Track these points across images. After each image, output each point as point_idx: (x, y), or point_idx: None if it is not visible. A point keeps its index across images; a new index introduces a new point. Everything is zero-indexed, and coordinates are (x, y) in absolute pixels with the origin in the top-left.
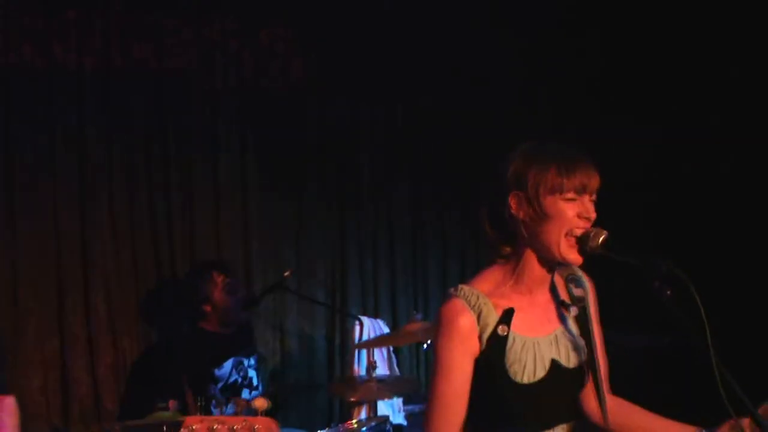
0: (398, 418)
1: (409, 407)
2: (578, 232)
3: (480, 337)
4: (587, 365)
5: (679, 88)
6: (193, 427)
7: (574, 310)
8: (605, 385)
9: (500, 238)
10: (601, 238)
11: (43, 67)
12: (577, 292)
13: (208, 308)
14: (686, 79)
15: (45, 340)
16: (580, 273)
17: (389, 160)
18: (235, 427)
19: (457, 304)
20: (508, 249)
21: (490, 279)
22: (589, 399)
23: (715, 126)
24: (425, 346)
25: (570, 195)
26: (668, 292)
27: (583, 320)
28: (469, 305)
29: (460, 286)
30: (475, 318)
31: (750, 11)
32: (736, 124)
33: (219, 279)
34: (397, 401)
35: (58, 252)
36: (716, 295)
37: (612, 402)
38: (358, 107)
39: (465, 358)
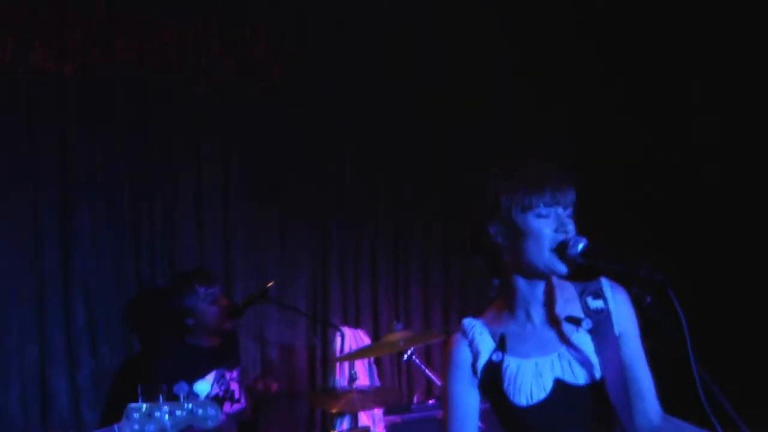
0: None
1: (390, 418)
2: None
3: (474, 365)
4: (607, 380)
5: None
6: (134, 415)
7: (587, 324)
8: (655, 402)
9: (489, 269)
10: (579, 246)
11: (23, 69)
12: (595, 304)
13: (192, 320)
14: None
15: (24, 349)
16: (604, 283)
17: (372, 166)
18: (176, 412)
19: (456, 336)
20: (496, 279)
21: (492, 309)
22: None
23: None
24: (405, 356)
25: (542, 210)
26: (647, 299)
27: (601, 333)
28: (465, 335)
29: (465, 319)
30: (468, 345)
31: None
32: (734, 122)
33: (201, 290)
34: (378, 412)
35: (37, 261)
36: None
37: (665, 422)
38: (342, 112)
39: (465, 387)
